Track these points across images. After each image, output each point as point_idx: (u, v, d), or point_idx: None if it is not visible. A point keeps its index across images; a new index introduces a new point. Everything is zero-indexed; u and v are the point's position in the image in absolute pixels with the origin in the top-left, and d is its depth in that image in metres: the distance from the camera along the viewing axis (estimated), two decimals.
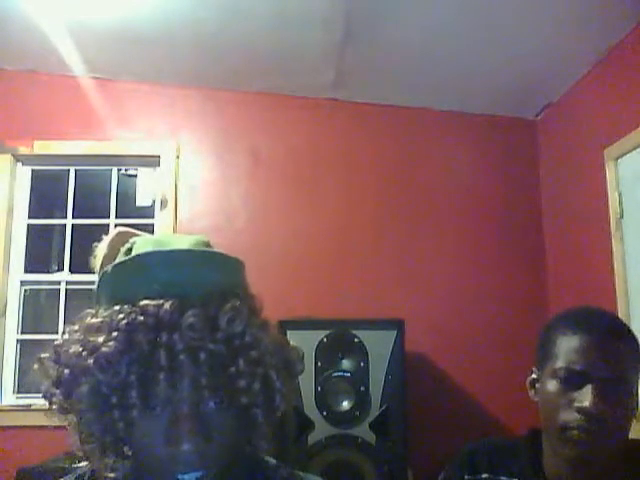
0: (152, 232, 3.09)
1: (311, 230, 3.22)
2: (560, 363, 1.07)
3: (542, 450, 1.14)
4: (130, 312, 0.70)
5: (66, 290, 3.22)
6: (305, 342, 2.46)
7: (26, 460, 2.49)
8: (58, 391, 0.73)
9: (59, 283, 3.24)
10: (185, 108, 3.30)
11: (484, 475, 1.18)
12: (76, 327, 0.74)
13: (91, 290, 0.80)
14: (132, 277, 0.74)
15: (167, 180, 3.22)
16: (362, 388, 2.50)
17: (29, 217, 3.29)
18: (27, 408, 2.95)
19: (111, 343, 0.69)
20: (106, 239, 1.36)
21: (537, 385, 1.14)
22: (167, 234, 3.00)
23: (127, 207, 3.32)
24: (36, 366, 0.75)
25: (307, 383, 2.48)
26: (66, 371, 0.72)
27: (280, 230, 3.22)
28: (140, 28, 2.71)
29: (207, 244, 0.81)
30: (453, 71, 2.91)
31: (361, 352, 2.53)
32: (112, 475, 0.76)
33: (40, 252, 3.46)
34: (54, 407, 0.74)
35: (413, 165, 3.31)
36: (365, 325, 2.60)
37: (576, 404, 1.03)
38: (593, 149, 2.67)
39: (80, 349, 0.71)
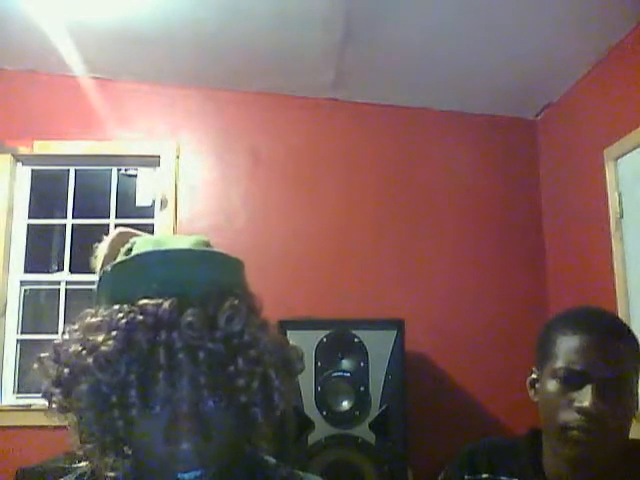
0: (152, 232, 3.09)
1: (311, 230, 3.21)
2: (560, 363, 1.06)
3: (542, 450, 1.14)
4: (129, 311, 0.70)
5: (66, 290, 3.22)
6: (305, 342, 2.46)
7: (26, 460, 2.49)
8: (58, 390, 0.73)
9: (59, 283, 3.24)
10: (185, 108, 3.30)
11: (484, 475, 1.18)
12: (76, 326, 0.74)
13: (91, 290, 0.80)
14: (131, 276, 0.74)
15: (167, 180, 3.22)
16: (362, 388, 2.50)
17: (29, 217, 3.28)
18: (27, 408, 2.95)
19: (110, 342, 0.69)
20: (107, 239, 1.36)
21: (537, 385, 1.14)
22: (167, 234, 3.01)
23: (127, 207, 3.32)
24: (36, 366, 0.75)
25: (307, 383, 2.48)
26: (66, 370, 0.72)
27: (280, 230, 3.22)
28: (140, 28, 2.71)
29: (207, 244, 0.81)
30: (453, 71, 2.91)
31: (361, 352, 2.53)
32: (112, 474, 0.77)
33: (40, 252, 3.46)
34: (54, 406, 0.74)
35: (413, 165, 3.31)
36: (365, 325, 2.60)
37: (576, 404, 1.03)
38: (593, 149, 2.66)
39: (80, 348, 0.71)
